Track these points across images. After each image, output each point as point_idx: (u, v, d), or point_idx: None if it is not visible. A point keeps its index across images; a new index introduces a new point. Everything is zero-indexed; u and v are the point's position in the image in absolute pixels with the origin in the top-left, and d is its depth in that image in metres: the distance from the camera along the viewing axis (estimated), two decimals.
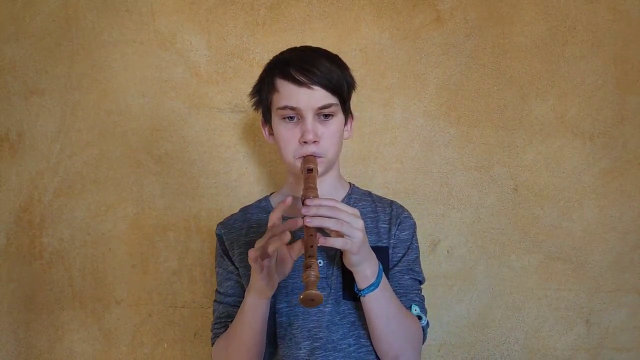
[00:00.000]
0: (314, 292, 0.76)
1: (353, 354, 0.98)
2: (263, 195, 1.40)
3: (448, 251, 1.39)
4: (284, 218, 0.92)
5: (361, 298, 0.93)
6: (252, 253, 0.85)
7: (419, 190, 1.40)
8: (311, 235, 0.83)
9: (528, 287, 1.38)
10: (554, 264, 1.38)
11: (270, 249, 0.83)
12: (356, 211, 0.87)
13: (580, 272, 1.37)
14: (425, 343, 1.05)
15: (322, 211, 0.83)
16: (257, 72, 1.40)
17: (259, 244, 0.86)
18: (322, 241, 0.83)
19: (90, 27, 1.43)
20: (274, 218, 0.87)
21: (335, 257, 1.01)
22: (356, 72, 1.10)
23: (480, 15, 1.39)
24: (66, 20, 1.44)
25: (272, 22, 1.41)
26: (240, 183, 1.42)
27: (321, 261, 1.01)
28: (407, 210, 1.11)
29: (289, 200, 0.87)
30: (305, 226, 0.84)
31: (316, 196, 0.88)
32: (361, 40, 1.40)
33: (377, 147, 1.41)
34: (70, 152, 1.43)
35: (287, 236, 0.83)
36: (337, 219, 0.84)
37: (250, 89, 1.40)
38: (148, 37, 1.42)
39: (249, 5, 1.41)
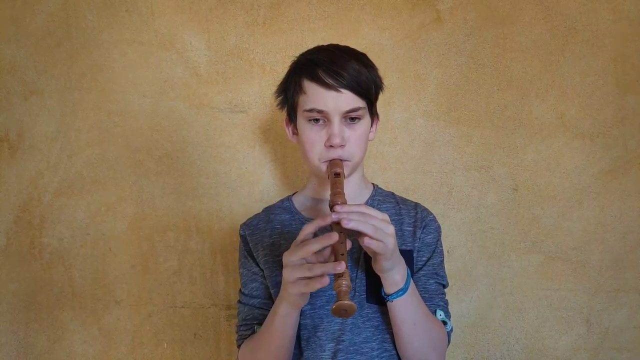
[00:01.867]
0: (346, 302, 0.75)
1: (375, 358, 0.97)
2: (263, 196, 1.41)
3: (448, 251, 1.39)
4: (309, 219, 0.90)
5: (388, 303, 0.92)
6: (294, 273, 0.83)
7: (419, 190, 1.40)
8: (341, 243, 0.81)
9: (528, 287, 1.38)
10: (554, 264, 1.38)
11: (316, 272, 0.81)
12: (386, 216, 0.85)
13: (580, 272, 1.37)
14: None
15: (352, 217, 0.82)
16: (257, 72, 1.41)
17: (291, 257, 0.83)
18: (368, 242, 0.81)
19: (90, 27, 1.43)
20: (307, 232, 0.84)
21: (359, 260, 1.00)
22: None
23: (480, 15, 1.39)
24: (66, 20, 1.44)
25: (272, 22, 1.41)
26: (240, 183, 1.42)
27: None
28: (431, 213, 1.09)
29: (329, 219, 0.84)
30: (335, 228, 0.82)
31: (344, 202, 0.86)
32: (361, 40, 1.40)
33: (377, 147, 1.41)
34: (70, 152, 1.43)
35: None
36: (369, 224, 0.82)
37: (250, 89, 1.41)
38: (148, 37, 1.42)
39: (249, 5, 1.41)
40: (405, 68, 1.40)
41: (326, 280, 0.80)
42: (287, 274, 0.84)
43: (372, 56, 1.41)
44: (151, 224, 1.42)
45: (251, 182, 1.42)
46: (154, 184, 1.42)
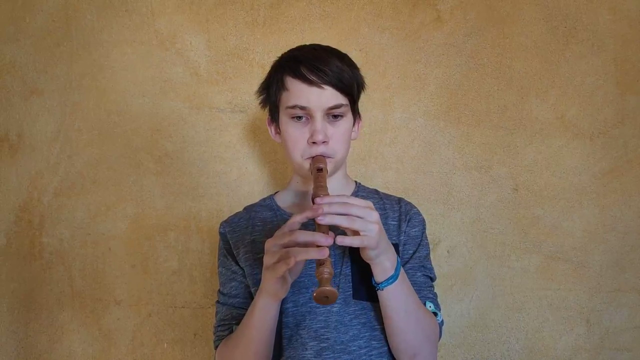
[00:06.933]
0: (328, 288, 0.74)
1: (363, 357, 0.95)
2: (263, 195, 1.40)
3: (448, 251, 1.39)
4: (292, 215, 0.88)
5: (379, 292, 0.90)
6: (270, 258, 0.82)
7: (419, 190, 1.40)
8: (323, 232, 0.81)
9: (528, 287, 1.38)
10: (554, 264, 1.38)
11: (292, 261, 0.79)
12: (369, 203, 0.84)
13: (580, 272, 1.37)
14: None
15: (333, 208, 0.81)
16: (257, 72, 1.41)
17: (274, 243, 0.82)
18: (340, 240, 0.80)
19: (90, 27, 1.43)
20: (294, 221, 0.83)
21: (344, 255, 0.99)
22: None
23: (480, 15, 1.40)
24: (66, 20, 1.44)
25: (272, 22, 1.41)
26: (240, 183, 1.42)
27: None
28: (415, 207, 1.09)
29: (315, 214, 0.81)
30: (317, 223, 0.81)
31: (326, 194, 0.86)
32: (361, 40, 1.40)
33: (377, 147, 1.41)
34: (70, 152, 1.43)
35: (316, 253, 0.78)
36: (350, 214, 0.81)
37: (250, 89, 1.41)
38: (148, 37, 1.42)
39: (249, 5, 1.41)
40: (405, 68, 1.40)
41: (302, 257, 0.78)
42: (266, 260, 0.83)
43: (372, 56, 1.42)
44: (151, 224, 1.42)
45: (251, 182, 1.42)
46: (154, 184, 1.42)
